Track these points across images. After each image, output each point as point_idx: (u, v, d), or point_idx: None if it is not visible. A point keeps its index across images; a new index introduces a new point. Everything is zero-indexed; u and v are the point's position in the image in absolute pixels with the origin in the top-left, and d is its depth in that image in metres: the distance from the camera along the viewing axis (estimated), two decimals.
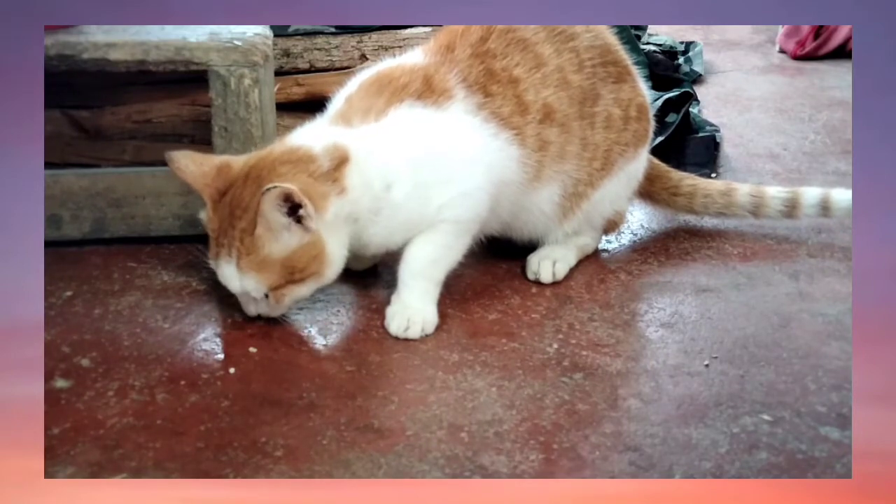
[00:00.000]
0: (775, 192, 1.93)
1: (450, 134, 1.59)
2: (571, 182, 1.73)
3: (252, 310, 1.57)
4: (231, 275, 1.51)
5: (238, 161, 1.55)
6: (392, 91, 1.59)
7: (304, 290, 1.54)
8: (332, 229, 1.51)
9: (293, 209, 1.45)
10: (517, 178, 1.65)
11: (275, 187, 1.42)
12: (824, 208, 1.92)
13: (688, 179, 1.96)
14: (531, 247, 1.80)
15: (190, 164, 1.54)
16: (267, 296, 1.53)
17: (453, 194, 1.57)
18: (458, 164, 1.58)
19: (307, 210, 1.45)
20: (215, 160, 1.56)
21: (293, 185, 1.44)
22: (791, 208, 1.92)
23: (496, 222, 1.71)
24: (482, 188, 1.60)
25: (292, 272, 1.50)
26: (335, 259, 1.53)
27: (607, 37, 1.77)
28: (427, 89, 1.59)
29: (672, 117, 2.31)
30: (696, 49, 3.03)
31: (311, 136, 1.57)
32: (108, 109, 1.93)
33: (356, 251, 1.59)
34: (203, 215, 1.56)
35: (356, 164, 1.52)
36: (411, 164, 1.55)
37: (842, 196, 1.91)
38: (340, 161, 1.52)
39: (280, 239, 1.48)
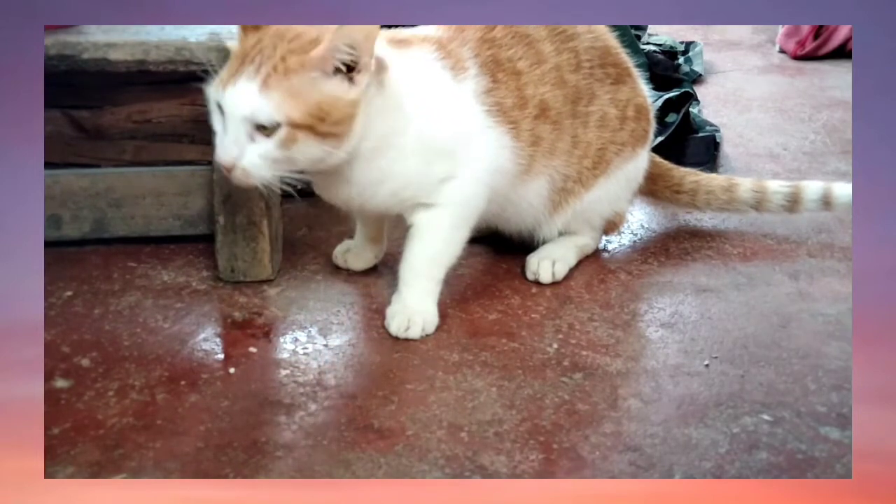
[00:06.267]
0: (777, 187, 1.94)
1: (460, 112, 1.58)
2: (560, 177, 1.73)
3: (233, 151, 1.37)
4: (245, 92, 1.35)
5: None
6: (410, 45, 1.58)
7: (314, 150, 1.39)
8: (363, 106, 1.43)
9: (347, 66, 1.39)
10: (510, 171, 1.65)
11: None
12: (826, 202, 1.92)
13: (690, 176, 1.97)
14: (531, 246, 1.80)
15: None
16: (268, 133, 1.36)
17: (454, 181, 1.56)
18: (462, 145, 1.57)
19: (365, 61, 1.38)
20: None
21: None
22: (793, 202, 1.93)
23: (485, 214, 1.70)
24: (481, 179, 1.60)
25: (321, 119, 1.37)
26: (355, 136, 1.42)
27: (608, 39, 1.77)
28: (445, 53, 1.58)
29: (672, 117, 2.31)
30: (696, 49, 3.03)
31: None
32: (108, 109, 1.93)
33: (343, 202, 1.56)
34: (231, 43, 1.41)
35: (390, 76, 1.48)
36: (424, 113, 1.52)
37: (843, 190, 1.92)
38: (379, 63, 1.45)
39: (329, 79, 1.39)
